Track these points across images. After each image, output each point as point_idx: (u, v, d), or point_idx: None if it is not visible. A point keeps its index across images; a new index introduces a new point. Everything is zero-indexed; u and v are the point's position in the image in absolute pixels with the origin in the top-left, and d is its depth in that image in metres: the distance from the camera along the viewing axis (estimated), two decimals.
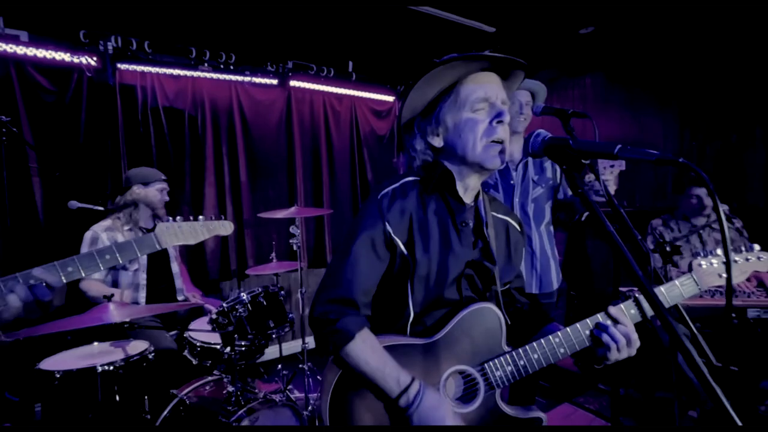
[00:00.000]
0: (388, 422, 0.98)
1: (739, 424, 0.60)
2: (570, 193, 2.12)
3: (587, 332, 1.01)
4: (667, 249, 1.97)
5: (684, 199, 2.64)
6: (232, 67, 3.58)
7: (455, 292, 1.06)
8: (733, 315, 2.07)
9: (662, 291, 1.05)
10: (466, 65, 1.01)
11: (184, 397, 1.94)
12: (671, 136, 3.52)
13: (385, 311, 1.08)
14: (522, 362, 1.01)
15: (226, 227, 1.20)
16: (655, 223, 2.76)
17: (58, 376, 1.74)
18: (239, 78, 3.64)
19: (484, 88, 1.02)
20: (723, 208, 2.54)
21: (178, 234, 1.11)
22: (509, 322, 1.08)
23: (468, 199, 1.10)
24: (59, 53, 2.93)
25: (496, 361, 1.02)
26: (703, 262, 1.11)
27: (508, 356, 1.02)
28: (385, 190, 1.05)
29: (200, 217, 1.16)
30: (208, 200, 3.57)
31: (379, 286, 1.05)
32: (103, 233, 2.40)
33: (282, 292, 2.31)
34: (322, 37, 3.45)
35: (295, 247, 2.74)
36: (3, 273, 0.86)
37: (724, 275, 1.08)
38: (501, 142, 1.02)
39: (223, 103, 3.63)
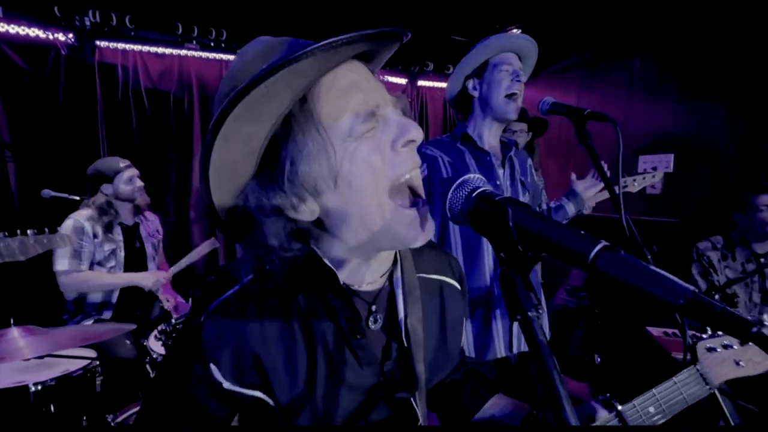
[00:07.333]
0: None
1: None
2: (544, 205, 1.63)
3: None
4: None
5: (749, 215, 2.05)
6: (223, 45, 3.28)
7: None
8: None
9: (653, 394, 0.76)
10: (312, 65, 0.52)
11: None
12: (735, 136, 2.87)
13: None
14: None
15: (65, 240, 1.17)
16: (703, 246, 2.21)
17: None
18: (231, 57, 3.34)
19: (359, 91, 0.56)
20: None
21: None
22: None
23: (374, 278, 0.67)
24: (33, 29, 2.73)
25: None
26: (711, 344, 0.81)
27: None
28: (214, 304, 0.59)
29: (29, 231, 1.08)
30: (195, 191, 3.36)
31: None
32: (87, 223, 2.21)
33: None
34: (324, 11, 3.04)
35: None
36: None
37: (742, 363, 0.80)
38: (416, 187, 0.59)
39: (212, 84, 3.34)
